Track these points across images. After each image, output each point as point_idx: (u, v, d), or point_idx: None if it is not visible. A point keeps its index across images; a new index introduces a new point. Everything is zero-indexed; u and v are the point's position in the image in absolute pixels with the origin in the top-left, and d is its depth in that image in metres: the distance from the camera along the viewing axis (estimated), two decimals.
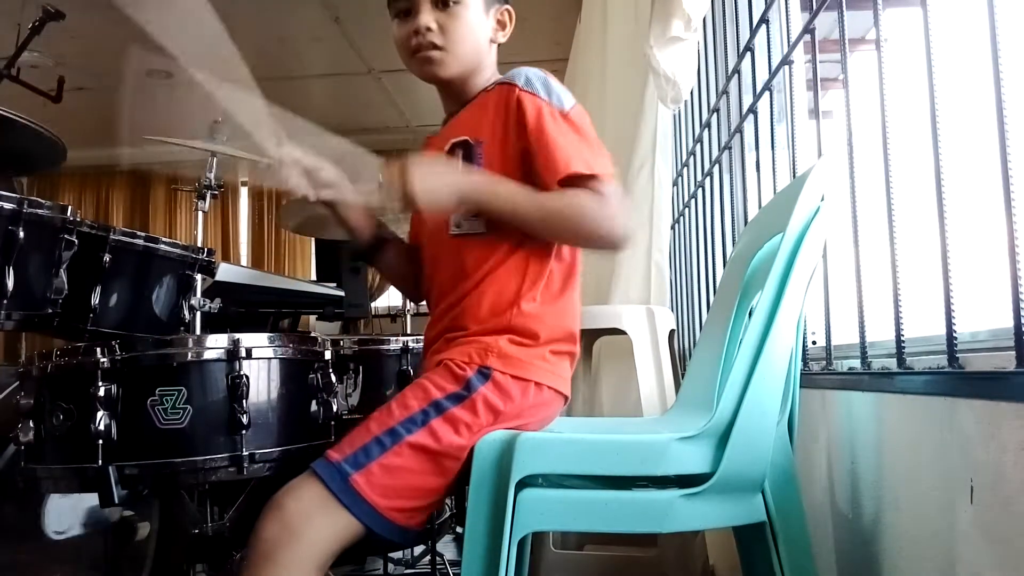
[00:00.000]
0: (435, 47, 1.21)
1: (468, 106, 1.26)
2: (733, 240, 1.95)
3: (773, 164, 1.64)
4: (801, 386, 1.11)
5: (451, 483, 1.07)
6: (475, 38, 1.23)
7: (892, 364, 1.02)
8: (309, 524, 1.01)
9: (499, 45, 1.30)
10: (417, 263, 1.32)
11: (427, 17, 1.20)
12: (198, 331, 1.65)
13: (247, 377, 1.33)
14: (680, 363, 2.15)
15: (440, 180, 1.11)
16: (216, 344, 1.35)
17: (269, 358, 1.40)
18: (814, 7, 1.33)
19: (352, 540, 1.04)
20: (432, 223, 1.26)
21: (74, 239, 1.39)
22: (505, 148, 1.17)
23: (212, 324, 1.79)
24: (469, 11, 1.22)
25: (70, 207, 1.43)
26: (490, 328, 1.14)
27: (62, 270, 1.39)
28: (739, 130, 1.86)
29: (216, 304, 1.67)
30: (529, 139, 1.13)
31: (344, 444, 1.07)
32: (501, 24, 1.28)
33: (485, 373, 1.10)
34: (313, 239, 5.19)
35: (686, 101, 2.22)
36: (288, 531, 1.01)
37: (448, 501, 2.10)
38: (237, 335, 1.35)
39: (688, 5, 1.78)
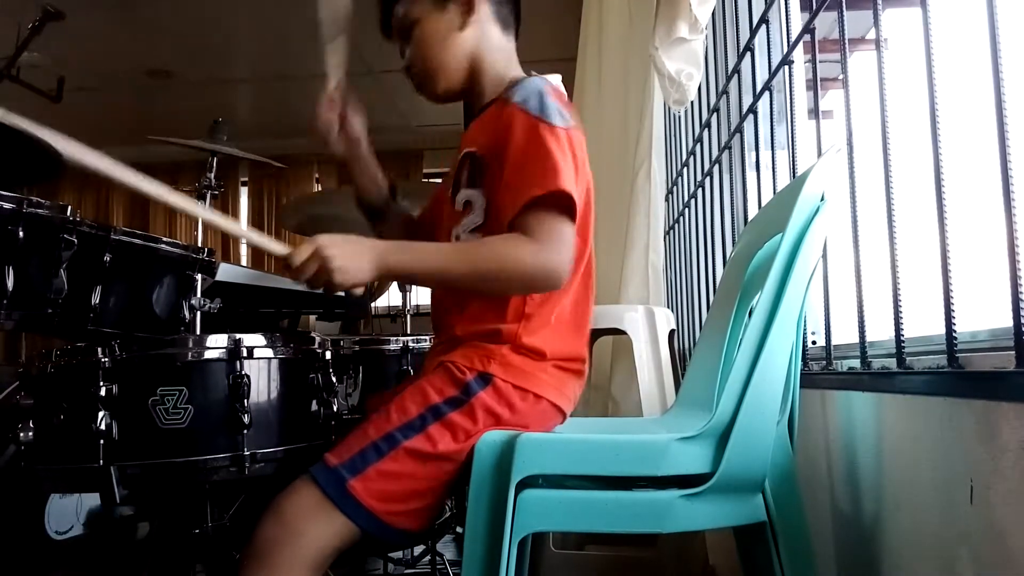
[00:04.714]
0: (414, 78, 1.26)
1: (481, 115, 1.24)
2: (733, 240, 1.95)
3: (773, 164, 1.64)
4: (801, 386, 1.11)
5: (450, 484, 1.07)
6: (438, 47, 1.22)
7: (892, 364, 1.02)
8: (306, 526, 1.02)
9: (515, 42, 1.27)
10: (412, 236, 1.36)
11: (404, 55, 1.26)
12: (198, 331, 1.65)
13: (248, 377, 1.33)
14: (680, 363, 2.15)
15: (356, 260, 1.06)
16: (217, 344, 1.35)
17: (270, 358, 1.40)
18: (814, 7, 1.33)
19: (350, 542, 1.04)
20: (438, 228, 1.27)
21: (74, 239, 1.39)
22: (503, 166, 1.13)
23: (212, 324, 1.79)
24: (423, 26, 1.22)
25: (70, 207, 1.43)
26: (491, 337, 1.13)
27: (62, 270, 1.39)
28: (739, 130, 1.86)
29: (216, 304, 1.67)
30: (507, 154, 1.10)
31: (342, 448, 1.06)
32: (466, 6, 1.21)
33: (486, 378, 1.10)
34: None
35: None
36: (286, 532, 1.01)
37: (448, 501, 2.10)
38: (238, 335, 1.36)
39: (695, 6, 1.78)
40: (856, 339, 1.14)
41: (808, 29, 1.37)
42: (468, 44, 1.22)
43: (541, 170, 1.07)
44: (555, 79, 1.23)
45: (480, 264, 1.09)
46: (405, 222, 1.41)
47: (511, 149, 1.10)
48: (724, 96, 2.02)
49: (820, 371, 1.29)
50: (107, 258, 1.46)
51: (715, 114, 2.12)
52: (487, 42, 1.24)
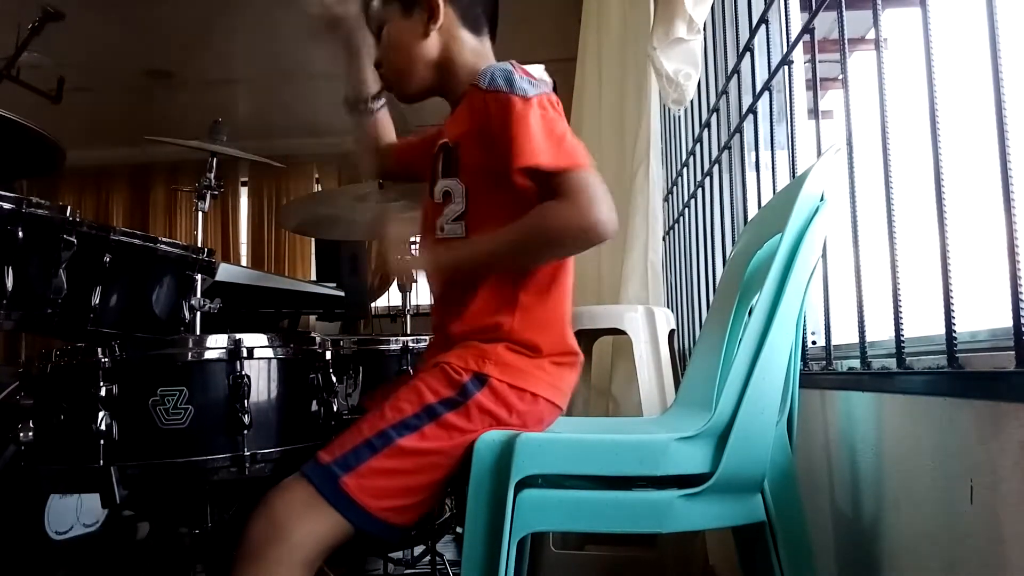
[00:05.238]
0: (381, 78, 1.31)
1: (456, 107, 1.26)
2: (733, 240, 1.95)
3: (773, 164, 1.64)
4: (801, 386, 1.11)
5: (444, 481, 1.07)
6: (403, 52, 1.25)
7: (892, 364, 1.02)
8: (298, 523, 1.01)
9: (493, 41, 1.29)
10: (388, 152, 1.47)
11: (377, 57, 1.31)
12: (198, 331, 1.65)
13: (248, 377, 1.33)
14: (680, 363, 2.15)
15: (429, 266, 1.21)
16: (217, 344, 1.35)
17: (270, 358, 1.40)
18: (813, 7, 1.33)
19: (343, 540, 1.04)
20: (423, 226, 1.28)
21: (74, 239, 1.39)
22: (483, 148, 1.14)
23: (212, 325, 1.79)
24: (389, 30, 1.26)
25: (69, 207, 1.43)
26: (487, 334, 1.13)
27: (62, 270, 1.39)
28: (739, 130, 1.86)
29: (216, 304, 1.67)
30: (494, 134, 1.11)
31: (335, 446, 1.06)
32: (430, 10, 1.22)
33: (482, 379, 1.10)
34: (313, 239, 5.19)
35: None
36: (276, 529, 1.01)
37: (448, 501, 2.10)
38: (238, 335, 1.35)
39: (690, 6, 1.78)
40: (856, 339, 1.14)
41: (808, 29, 1.37)
42: (433, 50, 1.25)
43: (527, 142, 1.07)
44: (536, 69, 1.24)
45: (526, 233, 1.09)
46: (386, 131, 1.48)
47: (494, 131, 1.10)
48: (724, 96, 2.02)
49: (820, 371, 1.29)
50: (107, 258, 1.46)
51: (715, 114, 2.12)
52: (457, 45, 1.25)
